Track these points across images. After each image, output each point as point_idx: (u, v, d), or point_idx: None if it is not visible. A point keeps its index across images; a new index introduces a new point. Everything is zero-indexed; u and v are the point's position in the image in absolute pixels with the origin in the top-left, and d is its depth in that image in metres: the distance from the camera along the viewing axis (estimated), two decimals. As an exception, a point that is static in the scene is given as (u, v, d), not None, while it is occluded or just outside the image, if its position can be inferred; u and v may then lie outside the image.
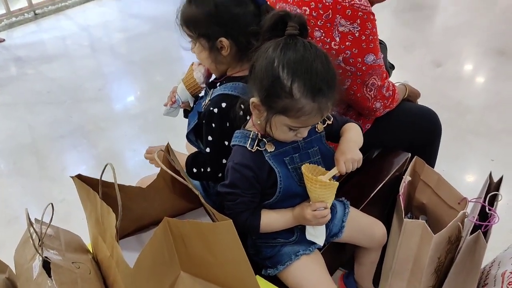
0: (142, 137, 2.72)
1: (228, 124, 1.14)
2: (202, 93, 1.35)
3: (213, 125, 1.16)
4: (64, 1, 4.72)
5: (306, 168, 1.00)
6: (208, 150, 1.19)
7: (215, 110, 1.14)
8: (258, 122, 1.00)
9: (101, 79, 3.38)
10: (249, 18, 1.11)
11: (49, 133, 2.78)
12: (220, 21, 1.12)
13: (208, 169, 1.20)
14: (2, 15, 4.41)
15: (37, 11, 4.56)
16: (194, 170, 1.23)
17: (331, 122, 1.08)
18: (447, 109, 2.69)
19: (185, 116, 1.39)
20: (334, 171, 1.01)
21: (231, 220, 0.87)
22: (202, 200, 0.97)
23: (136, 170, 2.38)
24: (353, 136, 1.09)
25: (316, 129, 1.08)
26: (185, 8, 1.15)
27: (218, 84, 1.22)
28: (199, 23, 1.13)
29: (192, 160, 1.25)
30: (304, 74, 0.90)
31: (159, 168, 1.07)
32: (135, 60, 3.62)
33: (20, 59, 3.80)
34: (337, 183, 0.99)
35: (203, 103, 1.24)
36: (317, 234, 1.08)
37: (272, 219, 1.05)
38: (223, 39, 1.13)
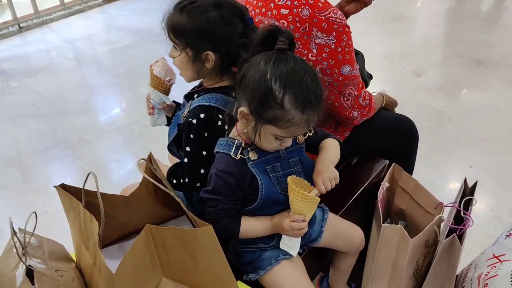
0: (127, 149, 2.73)
1: (206, 135, 1.17)
2: (182, 103, 1.37)
3: (191, 135, 1.18)
4: (49, 15, 4.73)
5: (291, 179, 1.03)
6: (186, 160, 1.21)
7: (194, 121, 1.17)
8: (245, 130, 1.03)
9: (86, 91, 3.39)
10: (237, 37, 1.13)
11: (34, 145, 2.78)
12: (210, 37, 1.14)
13: (187, 180, 1.22)
14: (-14, 29, 4.40)
15: (21, 24, 4.55)
16: (174, 181, 1.25)
17: (311, 135, 1.12)
18: (427, 118, 2.76)
19: (168, 124, 1.42)
20: (314, 192, 1.05)
21: (211, 226, 0.90)
22: (184, 207, 1.00)
23: (121, 181, 2.39)
24: (328, 155, 1.13)
25: (297, 141, 1.11)
26: (176, 16, 1.15)
27: (195, 95, 1.25)
28: (188, 34, 1.14)
29: (171, 172, 1.28)
30: (296, 87, 0.94)
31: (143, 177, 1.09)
32: (120, 73, 3.64)
33: (4, 72, 3.79)
34: (319, 198, 1.02)
35: (182, 115, 1.27)
36: (291, 245, 1.11)
37: (251, 226, 1.08)
38: (210, 52, 1.15)
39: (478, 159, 2.43)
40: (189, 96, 1.30)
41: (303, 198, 1.00)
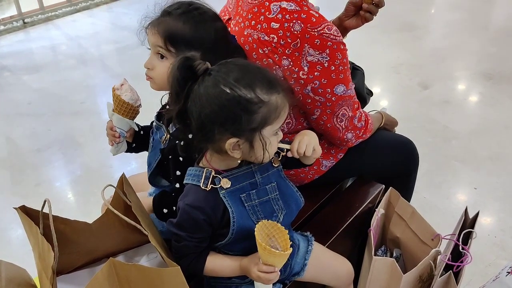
0: (121, 154, 2.65)
1: (196, 155, 1.08)
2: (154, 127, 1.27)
3: (181, 158, 1.10)
4: (54, 11, 4.68)
5: (260, 229, 0.93)
6: (178, 185, 1.12)
7: (182, 142, 1.09)
8: (239, 158, 0.94)
9: (84, 91, 3.33)
10: (230, 52, 1.09)
11: (26, 146, 2.72)
12: (212, 47, 1.07)
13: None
14: (-10, 23, 4.37)
15: (26, 20, 4.51)
16: (165, 210, 1.16)
17: (285, 153, 1.03)
18: (432, 133, 2.66)
19: (129, 150, 1.32)
20: (286, 146, 0.99)
21: (179, 267, 0.83)
22: (153, 242, 0.92)
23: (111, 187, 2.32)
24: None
25: (273, 164, 1.03)
26: (175, 23, 1.08)
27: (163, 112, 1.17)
28: (191, 43, 1.06)
29: (160, 201, 1.19)
30: (256, 75, 0.90)
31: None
32: (121, 73, 3.57)
33: (5, 68, 3.74)
34: (288, 253, 0.92)
35: (161, 139, 1.18)
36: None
37: (218, 266, 1.00)
38: (207, 63, 1.07)
39: (483, 180, 2.32)
40: (160, 117, 1.21)
41: (270, 254, 0.91)
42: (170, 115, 0.94)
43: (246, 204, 0.98)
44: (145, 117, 1.34)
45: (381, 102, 2.95)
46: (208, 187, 0.95)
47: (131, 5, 4.88)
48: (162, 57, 1.11)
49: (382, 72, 3.33)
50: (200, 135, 0.91)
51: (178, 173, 1.12)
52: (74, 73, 3.63)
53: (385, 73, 3.32)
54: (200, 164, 1.00)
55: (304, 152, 0.98)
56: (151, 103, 1.33)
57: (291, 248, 0.92)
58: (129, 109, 1.21)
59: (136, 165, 2.53)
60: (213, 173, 0.96)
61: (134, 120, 1.26)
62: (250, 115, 0.87)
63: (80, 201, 2.34)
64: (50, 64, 3.80)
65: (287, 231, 0.93)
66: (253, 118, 0.88)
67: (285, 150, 1.00)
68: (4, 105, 3.17)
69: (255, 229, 0.91)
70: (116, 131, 1.23)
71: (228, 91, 0.87)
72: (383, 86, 3.20)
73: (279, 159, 1.04)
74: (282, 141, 0.99)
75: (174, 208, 1.14)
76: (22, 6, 4.49)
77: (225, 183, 0.96)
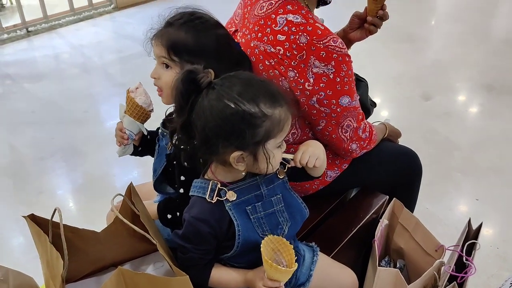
0: (123, 163, 2.66)
1: (201, 161, 1.09)
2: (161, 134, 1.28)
3: (185, 163, 1.11)
4: (58, 20, 4.71)
5: (265, 244, 0.94)
6: (182, 191, 1.13)
7: (184, 152, 1.10)
8: (243, 170, 0.95)
9: (87, 100, 3.34)
10: (234, 59, 1.10)
11: (29, 154, 2.73)
12: (216, 55, 1.08)
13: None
14: (-6, 31, 4.39)
15: (29, 28, 4.54)
16: (169, 216, 1.17)
17: (290, 165, 1.04)
18: (434, 144, 2.67)
19: (135, 153, 1.34)
20: (289, 156, 1.00)
21: (188, 276, 0.84)
22: (161, 252, 0.93)
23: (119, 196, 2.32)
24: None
25: (278, 175, 1.04)
26: (177, 32, 1.09)
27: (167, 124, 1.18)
28: (194, 51, 1.08)
29: (164, 207, 1.19)
30: (259, 90, 0.91)
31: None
32: (123, 82, 3.59)
33: (8, 76, 3.76)
34: (294, 269, 0.93)
35: (167, 145, 1.19)
36: None
37: (223, 278, 1.00)
38: (211, 70, 1.08)
39: (485, 191, 2.32)
40: (166, 124, 1.22)
41: (276, 270, 0.91)
42: (174, 127, 0.95)
43: (251, 217, 0.98)
44: (153, 124, 1.35)
45: (382, 113, 2.97)
46: (213, 199, 0.96)
47: (134, 14, 4.91)
48: (167, 66, 1.13)
49: (383, 83, 3.34)
50: (205, 148, 0.92)
51: (182, 178, 1.13)
52: (77, 82, 3.65)
53: (386, 84, 3.34)
54: (206, 176, 1.01)
55: (307, 163, 0.99)
56: (159, 110, 1.34)
57: (296, 264, 0.92)
58: (141, 113, 1.22)
59: (138, 174, 2.54)
60: (218, 185, 0.97)
61: (144, 124, 1.28)
62: (254, 129, 0.88)
63: (83, 210, 2.34)
64: (54, 73, 3.82)
65: (292, 246, 0.93)
66: (257, 132, 0.89)
67: (289, 160, 1.01)
68: (7, 113, 3.19)
69: (261, 244, 0.91)
70: (125, 132, 1.24)
71: (232, 105, 0.87)
72: (384, 97, 3.21)
73: (285, 170, 1.05)
74: (286, 152, 1.00)
75: (178, 214, 1.15)
76: (26, 15, 4.52)
77: (231, 195, 0.96)
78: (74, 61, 4.04)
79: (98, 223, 1.18)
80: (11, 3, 5.22)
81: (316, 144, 1.03)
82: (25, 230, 2.08)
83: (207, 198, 0.96)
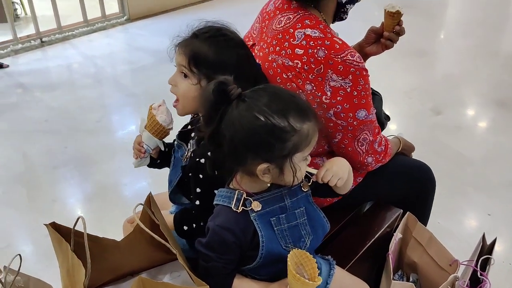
0: (136, 172, 2.67)
1: (216, 173, 1.10)
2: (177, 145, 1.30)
3: (201, 176, 1.12)
4: (71, 30, 4.78)
5: (292, 257, 0.94)
6: (198, 202, 1.15)
7: (202, 160, 1.11)
8: (268, 182, 0.96)
9: (100, 110, 3.38)
10: (252, 78, 1.11)
11: (43, 163, 2.75)
12: (233, 72, 1.07)
13: (201, 223, 1.15)
14: (9, 41, 4.45)
15: (44, 39, 4.61)
16: (185, 227, 1.18)
17: (315, 179, 1.05)
18: (445, 159, 2.66)
19: (151, 165, 1.35)
20: (312, 170, 1.01)
21: (208, 287, 0.84)
22: (181, 261, 0.94)
23: (126, 207, 2.33)
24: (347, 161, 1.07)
25: (302, 188, 1.04)
26: (200, 45, 1.11)
27: (192, 134, 1.19)
28: (213, 65, 1.10)
29: (180, 218, 1.20)
30: (288, 104, 0.92)
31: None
32: (136, 93, 3.63)
33: (22, 85, 3.81)
34: (318, 283, 0.93)
35: (183, 156, 1.21)
36: None
37: None
38: None
39: (497, 206, 2.31)
40: (182, 136, 1.24)
41: (303, 284, 0.92)
42: (202, 136, 0.97)
43: (275, 228, 0.99)
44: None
45: (392, 126, 2.97)
46: (239, 209, 0.97)
47: (147, 26, 4.97)
48: (185, 76, 1.15)
49: (394, 97, 3.35)
50: (232, 158, 0.93)
51: (198, 190, 1.14)
52: (90, 92, 3.69)
53: (397, 98, 3.35)
54: (231, 186, 1.02)
55: (329, 181, 1.00)
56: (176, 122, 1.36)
57: (321, 278, 0.93)
58: (160, 130, 1.24)
59: (150, 184, 2.55)
60: (244, 195, 0.98)
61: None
62: (282, 143, 0.90)
63: (95, 218, 2.35)
64: (67, 83, 3.87)
65: (315, 260, 0.94)
66: (285, 146, 0.90)
67: (312, 175, 1.02)
68: (21, 122, 3.23)
69: (288, 257, 0.92)
70: (143, 146, 1.27)
71: (262, 118, 0.89)
72: (395, 111, 3.21)
73: (309, 184, 1.05)
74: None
75: (194, 225, 1.16)
76: (40, 26, 4.59)
77: (256, 206, 0.97)
78: (86, 72, 4.09)
79: (109, 232, 1.19)
80: (26, 14, 5.31)
81: (341, 163, 1.04)
82: (38, 238, 2.12)
83: (232, 207, 0.97)
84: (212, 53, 1.10)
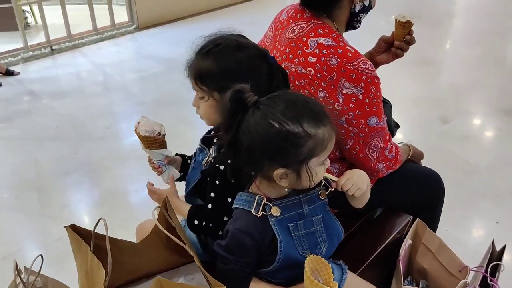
0: (146, 178, 2.70)
1: (233, 181, 1.11)
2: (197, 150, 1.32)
3: (217, 182, 1.15)
4: (81, 39, 4.85)
5: (310, 260, 0.96)
6: (210, 206, 1.17)
7: (221, 167, 1.14)
8: (286, 187, 0.98)
9: (110, 117, 3.42)
10: (264, 77, 1.12)
11: (54, 169, 2.79)
12: (238, 77, 1.09)
13: (211, 225, 1.18)
14: (19, 49, 4.53)
15: (54, 47, 4.68)
16: (196, 222, 1.20)
17: (333, 189, 1.07)
18: (452, 167, 2.68)
19: (181, 179, 1.38)
20: (333, 177, 1.02)
21: (224, 287, 0.86)
22: (198, 263, 0.96)
23: (135, 212, 2.36)
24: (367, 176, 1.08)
25: (320, 196, 1.06)
26: (200, 62, 1.13)
27: (215, 140, 1.21)
28: (216, 76, 1.11)
29: (194, 212, 1.22)
30: (302, 110, 0.93)
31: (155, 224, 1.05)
32: (145, 101, 3.67)
33: (32, 93, 3.86)
34: (335, 287, 0.94)
35: (204, 161, 1.23)
36: None
37: None
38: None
39: (505, 214, 2.32)
40: (205, 140, 1.26)
41: None
42: (221, 143, 0.99)
43: (293, 234, 1.01)
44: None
45: (399, 135, 2.98)
46: (259, 213, 0.99)
47: (155, 35, 5.03)
48: (202, 97, 1.16)
49: (401, 105, 3.37)
50: (250, 164, 0.96)
51: (212, 195, 1.16)
52: (100, 99, 3.74)
53: (404, 106, 3.37)
54: (250, 190, 1.04)
55: (348, 190, 1.01)
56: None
57: (336, 283, 0.94)
58: (152, 141, 1.26)
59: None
60: (264, 200, 1.00)
61: (168, 148, 1.31)
62: (297, 148, 0.91)
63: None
64: (76, 90, 3.92)
65: (330, 265, 0.95)
66: (300, 151, 0.92)
67: (332, 182, 1.04)
68: (32, 128, 3.27)
69: (305, 262, 0.94)
70: (154, 163, 1.31)
71: (276, 125, 0.91)
72: (402, 120, 3.21)
73: (327, 192, 1.07)
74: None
75: (204, 223, 1.18)
76: (50, 34, 4.67)
77: (275, 211, 0.99)
78: (96, 79, 4.14)
79: (119, 237, 1.20)
80: (36, 22, 5.39)
81: (362, 175, 1.05)
82: (49, 243, 2.14)
83: (252, 211, 0.99)
84: (213, 66, 1.12)
